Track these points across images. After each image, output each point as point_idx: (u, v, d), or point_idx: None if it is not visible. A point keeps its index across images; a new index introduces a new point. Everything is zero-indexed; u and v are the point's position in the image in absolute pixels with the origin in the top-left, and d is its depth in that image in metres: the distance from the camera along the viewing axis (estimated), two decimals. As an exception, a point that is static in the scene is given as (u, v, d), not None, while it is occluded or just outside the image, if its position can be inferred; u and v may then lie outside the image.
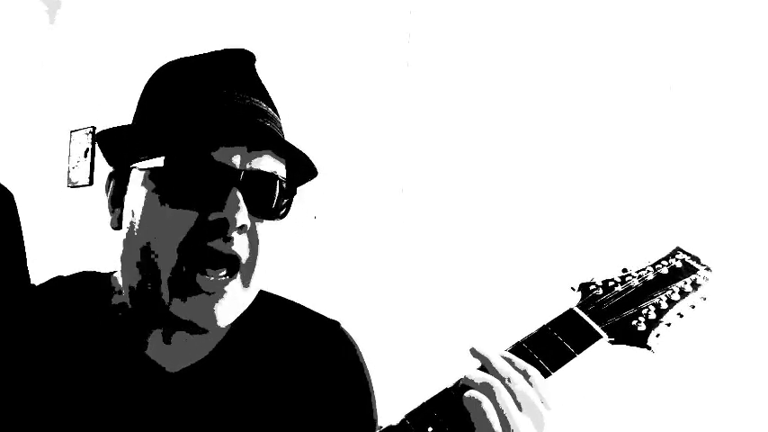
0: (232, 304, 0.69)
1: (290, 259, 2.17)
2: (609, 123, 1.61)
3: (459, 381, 0.72)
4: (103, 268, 0.83)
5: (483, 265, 1.81)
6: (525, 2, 1.79)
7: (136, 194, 0.70)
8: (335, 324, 0.86)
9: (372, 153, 2.11)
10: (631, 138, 1.57)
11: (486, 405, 0.65)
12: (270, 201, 0.70)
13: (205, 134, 0.66)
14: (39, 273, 1.62)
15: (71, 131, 3.55)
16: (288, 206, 0.73)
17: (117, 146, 0.74)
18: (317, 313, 0.87)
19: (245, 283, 0.70)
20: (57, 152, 3.67)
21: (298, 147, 0.72)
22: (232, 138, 0.67)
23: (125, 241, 0.71)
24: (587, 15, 1.67)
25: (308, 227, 2.22)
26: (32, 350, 0.73)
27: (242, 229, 0.67)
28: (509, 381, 0.67)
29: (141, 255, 0.67)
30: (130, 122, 0.77)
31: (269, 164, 0.70)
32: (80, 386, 0.72)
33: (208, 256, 0.67)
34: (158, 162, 0.67)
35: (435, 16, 2.00)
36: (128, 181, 0.72)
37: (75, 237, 3.38)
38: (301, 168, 0.76)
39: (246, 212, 0.67)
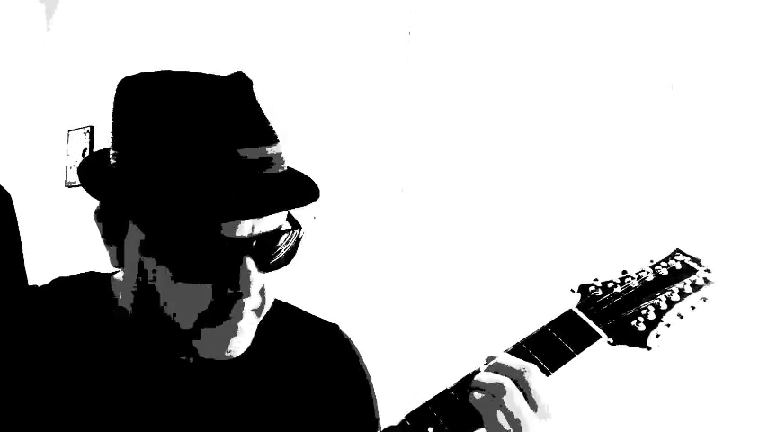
0: (247, 337, 0.70)
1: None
2: (610, 123, 1.61)
3: (458, 381, 0.72)
4: (102, 269, 0.83)
5: (483, 265, 1.81)
6: (526, 0, 1.79)
7: (143, 259, 0.67)
8: (335, 327, 0.87)
9: (372, 153, 2.11)
10: (631, 138, 1.57)
11: (497, 405, 0.67)
12: (279, 256, 0.69)
13: (222, 212, 0.64)
14: (36, 273, 1.61)
15: (69, 131, 3.55)
16: (295, 249, 0.72)
17: (105, 187, 0.69)
18: (316, 316, 0.87)
19: (258, 316, 0.71)
20: (54, 152, 3.67)
21: (305, 191, 0.71)
22: (250, 214, 0.65)
23: (128, 287, 0.71)
24: (587, 15, 1.67)
25: (308, 227, 2.21)
26: (36, 352, 0.73)
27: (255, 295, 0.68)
28: (519, 381, 0.68)
29: (154, 313, 0.69)
30: (113, 149, 0.70)
31: (275, 218, 0.69)
32: (91, 385, 0.72)
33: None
34: (162, 229, 0.65)
35: (436, 15, 2.00)
36: (123, 229, 0.69)
37: (73, 237, 3.38)
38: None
39: (260, 280, 0.67)
